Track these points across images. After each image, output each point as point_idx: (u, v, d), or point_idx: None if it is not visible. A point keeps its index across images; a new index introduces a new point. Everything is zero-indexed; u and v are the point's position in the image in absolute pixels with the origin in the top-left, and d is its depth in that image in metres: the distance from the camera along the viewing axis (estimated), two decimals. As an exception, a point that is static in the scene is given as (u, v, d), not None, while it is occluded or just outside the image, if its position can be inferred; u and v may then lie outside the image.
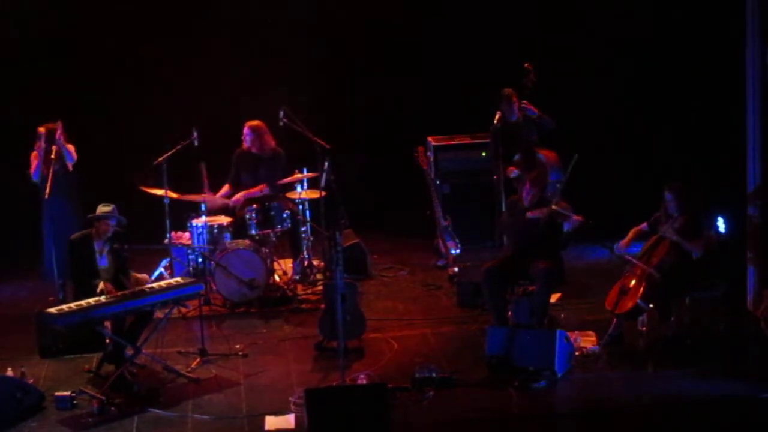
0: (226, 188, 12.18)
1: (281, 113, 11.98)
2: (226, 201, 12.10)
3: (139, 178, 11.86)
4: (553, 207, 10.17)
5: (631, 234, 10.44)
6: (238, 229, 11.89)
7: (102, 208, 10.08)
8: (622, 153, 13.71)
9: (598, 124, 13.64)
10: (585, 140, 12.68)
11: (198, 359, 10.17)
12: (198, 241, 11.76)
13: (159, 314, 10.17)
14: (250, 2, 14.09)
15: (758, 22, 10.47)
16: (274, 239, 11.90)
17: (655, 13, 13.62)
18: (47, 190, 11.24)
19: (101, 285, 9.81)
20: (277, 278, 11.95)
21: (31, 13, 13.66)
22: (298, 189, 12.09)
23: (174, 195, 11.71)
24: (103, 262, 10.08)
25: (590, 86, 13.64)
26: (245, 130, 12.17)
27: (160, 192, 11.59)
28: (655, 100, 13.75)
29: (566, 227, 10.22)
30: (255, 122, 12.18)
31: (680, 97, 13.46)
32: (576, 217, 10.18)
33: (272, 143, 12.22)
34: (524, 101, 11.90)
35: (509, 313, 10.42)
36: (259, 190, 12.13)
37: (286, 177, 12.09)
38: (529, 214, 10.36)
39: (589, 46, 13.74)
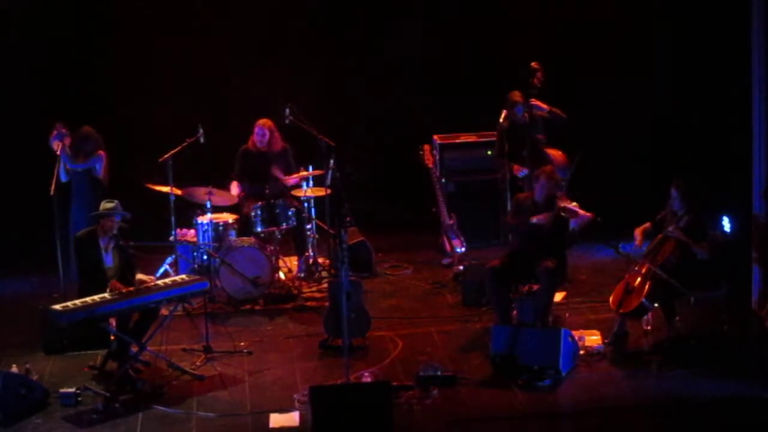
0: (236, 186, 12.12)
1: (287, 111, 11.97)
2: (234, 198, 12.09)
3: (144, 176, 11.88)
4: (560, 204, 10.17)
5: (639, 235, 10.42)
6: (244, 226, 11.89)
7: (105, 205, 10.04)
8: (626, 152, 13.68)
9: (601, 123, 13.61)
10: (589, 139, 12.70)
11: (203, 356, 10.18)
12: (203, 239, 11.76)
13: (164, 311, 10.18)
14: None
15: (764, 20, 10.45)
16: (279, 237, 11.90)
17: (659, 9, 13.62)
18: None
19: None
20: (282, 276, 11.96)
21: (34, 13, 13.66)
22: (304, 186, 12.09)
23: (178, 192, 11.68)
24: (109, 258, 10.05)
25: (595, 85, 13.62)
26: (258, 129, 12.09)
27: (165, 189, 11.59)
28: (661, 98, 13.74)
29: (573, 224, 10.20)
30: (267, 120, 12.13)
31: (686, 96, 13.44)
32: (585, 214, 10.16)
33: (280, 139, 12.21)
34: (532, 99, 11.86)
35: (514, 311, 10.43)
36: (300, 177, 12.07)
37: (293, 172, 12.10)
38: (533, 220, 10.34)
39: (593, 45, 13.72)
